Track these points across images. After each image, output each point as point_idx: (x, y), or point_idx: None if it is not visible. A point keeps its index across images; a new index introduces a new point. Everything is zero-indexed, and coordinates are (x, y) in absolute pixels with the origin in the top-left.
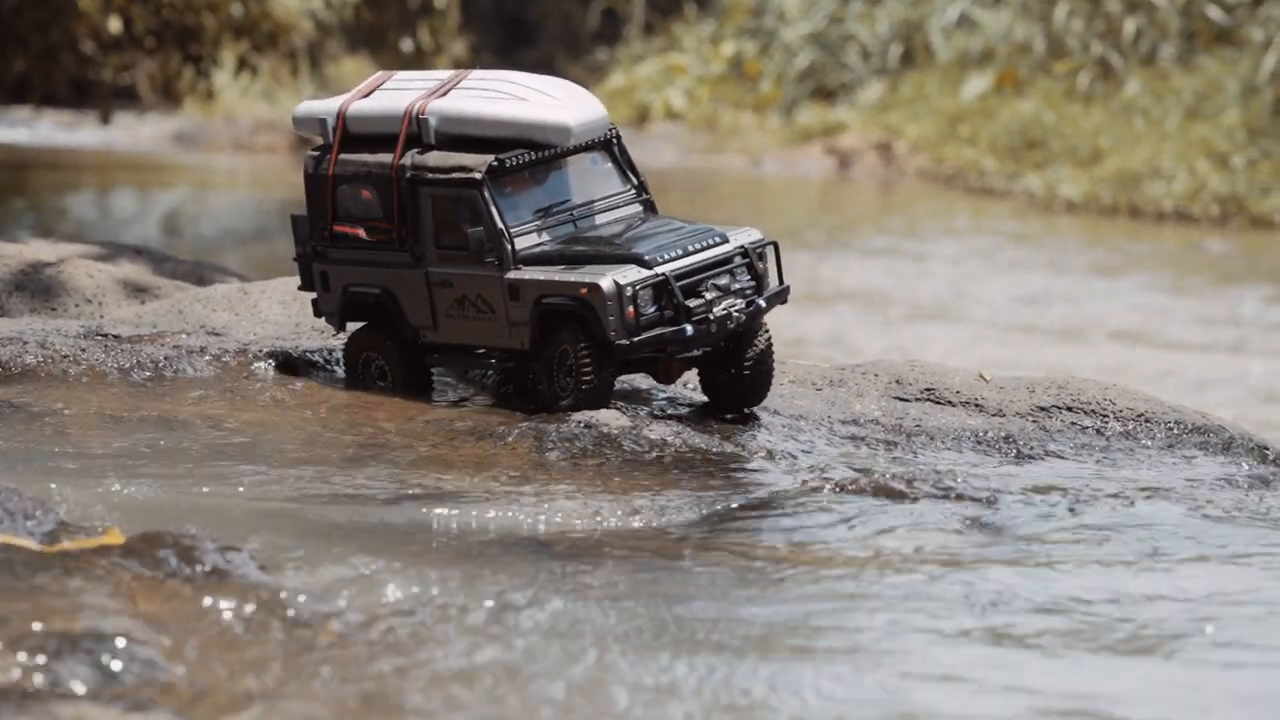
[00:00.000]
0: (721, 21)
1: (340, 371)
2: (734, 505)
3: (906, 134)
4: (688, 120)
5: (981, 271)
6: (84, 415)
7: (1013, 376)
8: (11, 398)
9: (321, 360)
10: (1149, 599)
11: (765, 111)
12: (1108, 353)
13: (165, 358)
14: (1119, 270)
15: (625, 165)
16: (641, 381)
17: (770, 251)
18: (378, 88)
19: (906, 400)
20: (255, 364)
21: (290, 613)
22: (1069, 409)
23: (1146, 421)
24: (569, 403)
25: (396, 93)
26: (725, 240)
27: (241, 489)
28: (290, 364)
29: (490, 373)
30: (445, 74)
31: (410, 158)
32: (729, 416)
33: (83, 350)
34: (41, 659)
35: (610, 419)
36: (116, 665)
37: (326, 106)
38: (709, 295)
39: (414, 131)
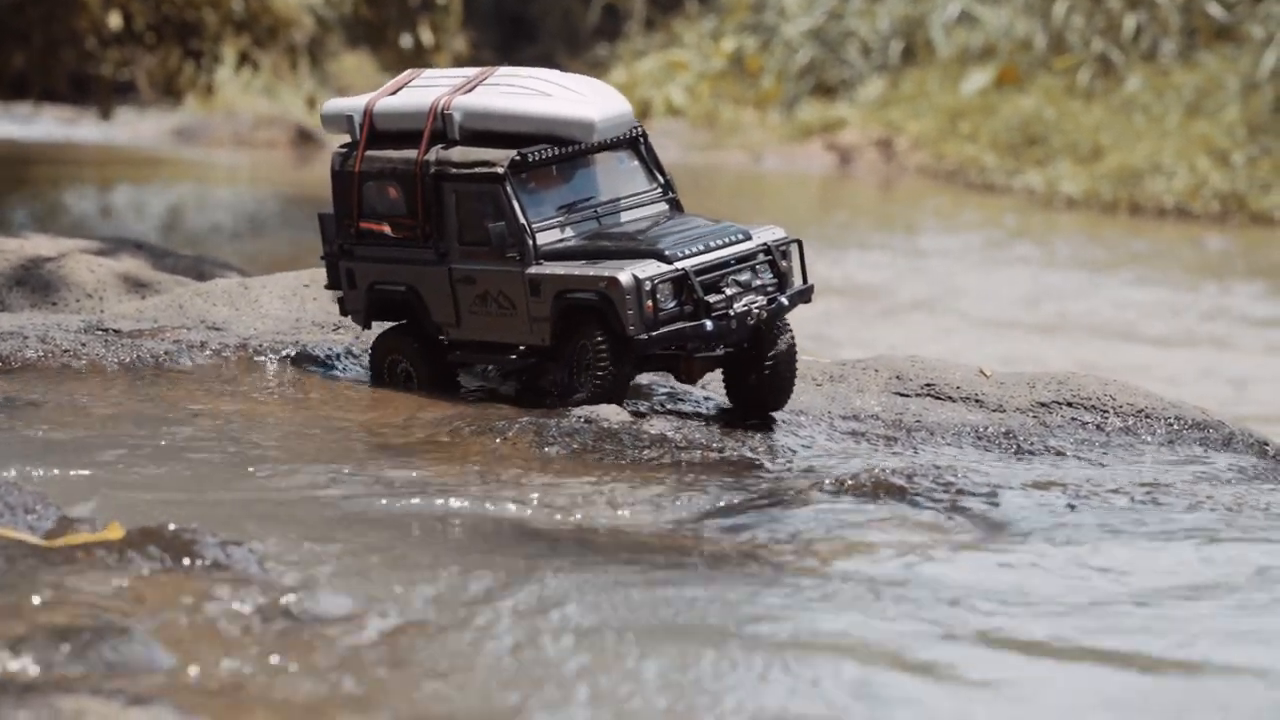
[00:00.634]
0: (722, 17)
1: (340, 366)
2: (734, 500)
3: (907, 130)
4: (688, 116)
5: (980, 268)
6: (85, 410)
7: (1013, 372)
8: (12, 392)
9: (323, 355)
10: (1146, 596)
11: (766, 108)
12: (1104, 349)
13: (166, 352)
14: (1117, 267)
15: (652, 164)
16: (644, 377)
17: (794, 250)
18: (406, 85)
19: (907, 396)
20: (256, 358)
21: (291, 607)
22: (1069, 405)
23: (1147, 417)
24: (584, 397)
25: (424, 89)
26: (748, 237)
27: (243, 483)
28: (306, 358)
29: (491, 369)
30: (473, 71)
31: (435, 153)
32: (751, 421)
33: (83, 345)
34: (42, 652)
35: (610, 414)
36: (117, 659)
37: (354, 103)
38: (730, 291)
39: (439, 127)
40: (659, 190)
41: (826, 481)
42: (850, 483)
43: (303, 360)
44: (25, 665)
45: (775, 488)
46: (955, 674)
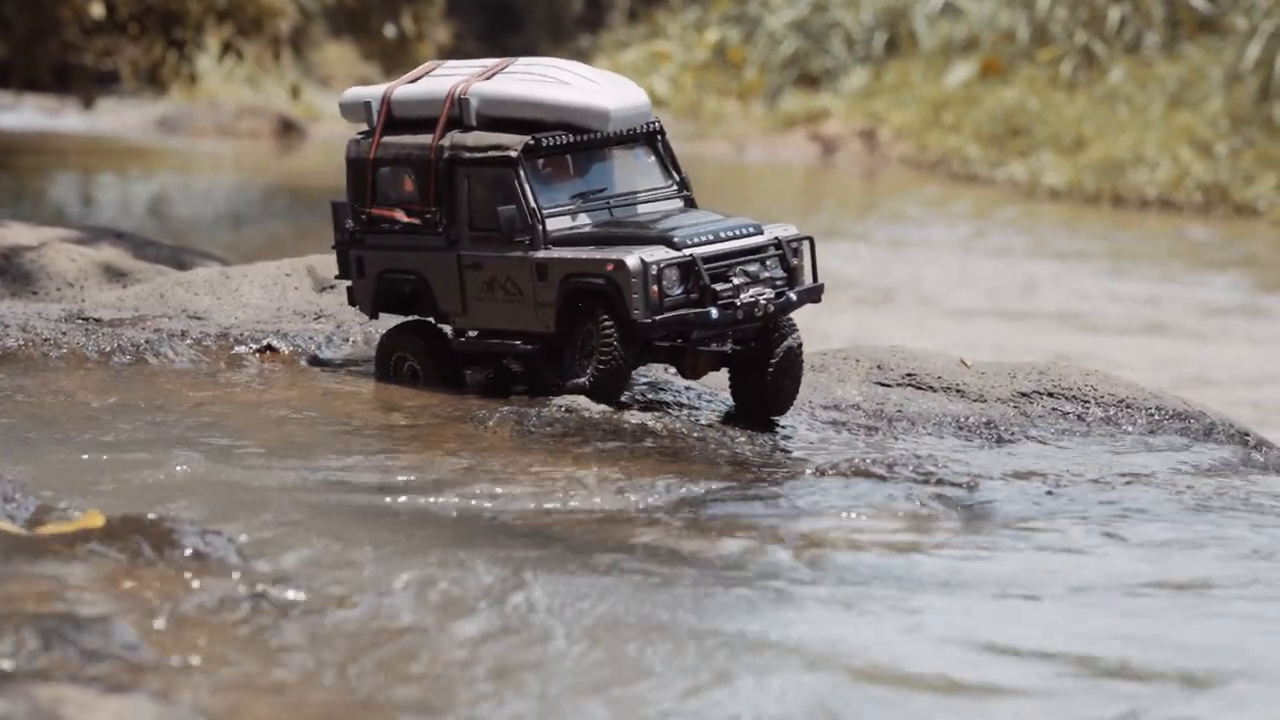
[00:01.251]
0: (706, 9)
1: (322, 355)
2: (714, 488)
3: (890, 121)
4: (672, 107)
5: (962, 259)
6: (65, 398)
7: (994, 362)
8: None
9: (304, 344)
10: (1125, 586)
11: (749, 98)
12: (1085, 339)
13: (146, 341)
14: (1099, 258)
15: (668, 160)
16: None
17: (805, 247)
18: (426, 74)
19: (888, 385)
20: (237, 348)
21: (270, 596)
22: (1050, 394)
23: (1127, 407)
24: (586, 383)
25: (443, 78)
26: (759, 231)
27: (223, 473)
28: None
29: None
30: (493, 61)
31: (450, 138)
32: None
33: (64, 334)
34: (20, 641)
35: (591, 403)
36: (95, 647)
37: (372, 91)
38: (737, 281)
39: (455, 113)
40: (674, 187)
41: (807, 471)
42: (831, 472)
43: (283, 349)
44: (3, 654)
45: (755, 477)
46: (929, 667)
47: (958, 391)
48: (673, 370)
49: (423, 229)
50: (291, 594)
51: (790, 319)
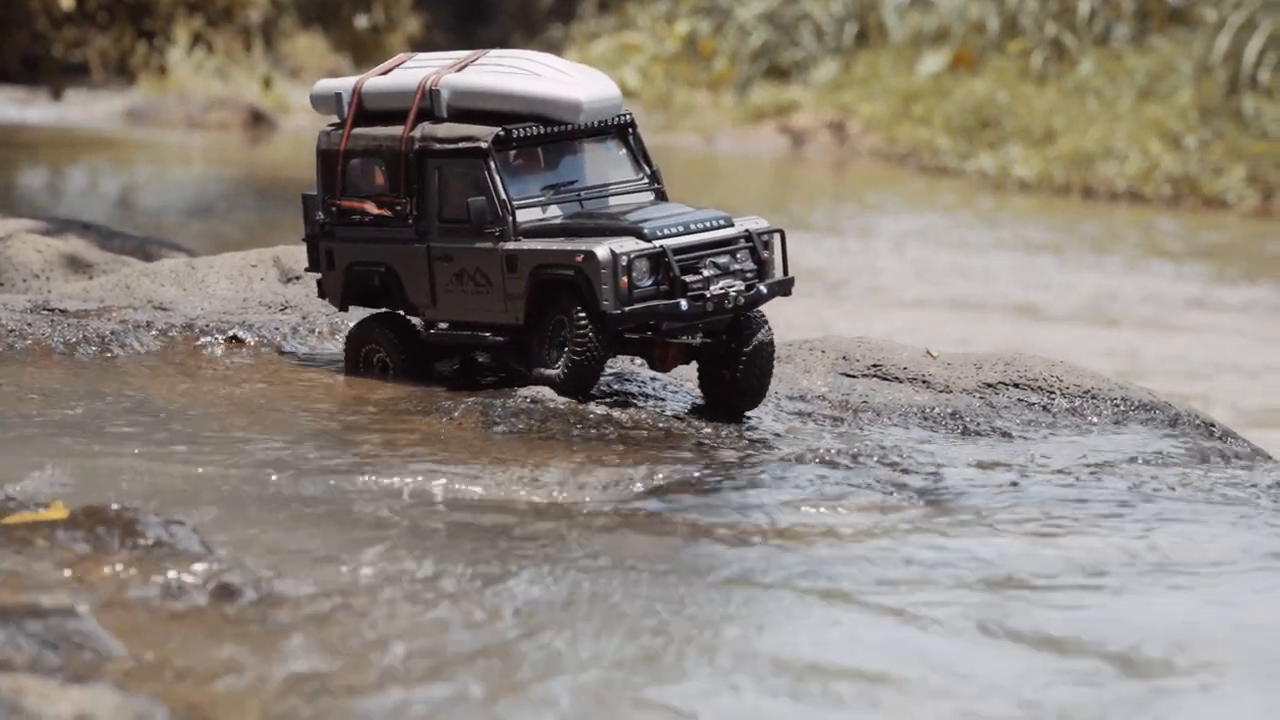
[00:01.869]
0: (676, 0)
1: (287, 346)
2: (679, 480)
3: (860, 113)
4: (642, 98)
5: (930, 250)
6: (28, 389)
7: (960, 353)
8: None
9: (269, 335)
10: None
11: (719, 90)
12: (1051, 330)
13: (112, 332)
14: (1067, 250)
15: (639, 153)
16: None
17: (776, 240)
18: (398, 66)
19: (853, 376)
20: (202, 339)
21: (233, 587)
22: (1016, 385)
23: (1093, 398)
24: (559, 376)
25: (414, 70)
26: (730, 224)
27: (186, 463)
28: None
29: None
30: (465, 53)
31: (420, 130)
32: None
33: (29, 325)
34: None
35: (555, 394)
36: (57, 638)
37: (343, 83)
38: (707, 273)
39: (426, 105)
40: (645, 179)
41: (773, 461)
42: (796, 463)
43: (249, 340)
44: None
45: (721, 468)
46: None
47: (923, 382)
48: (640, 362)
49: (393, 221)
50: (254, 585)
51: (761, 312)
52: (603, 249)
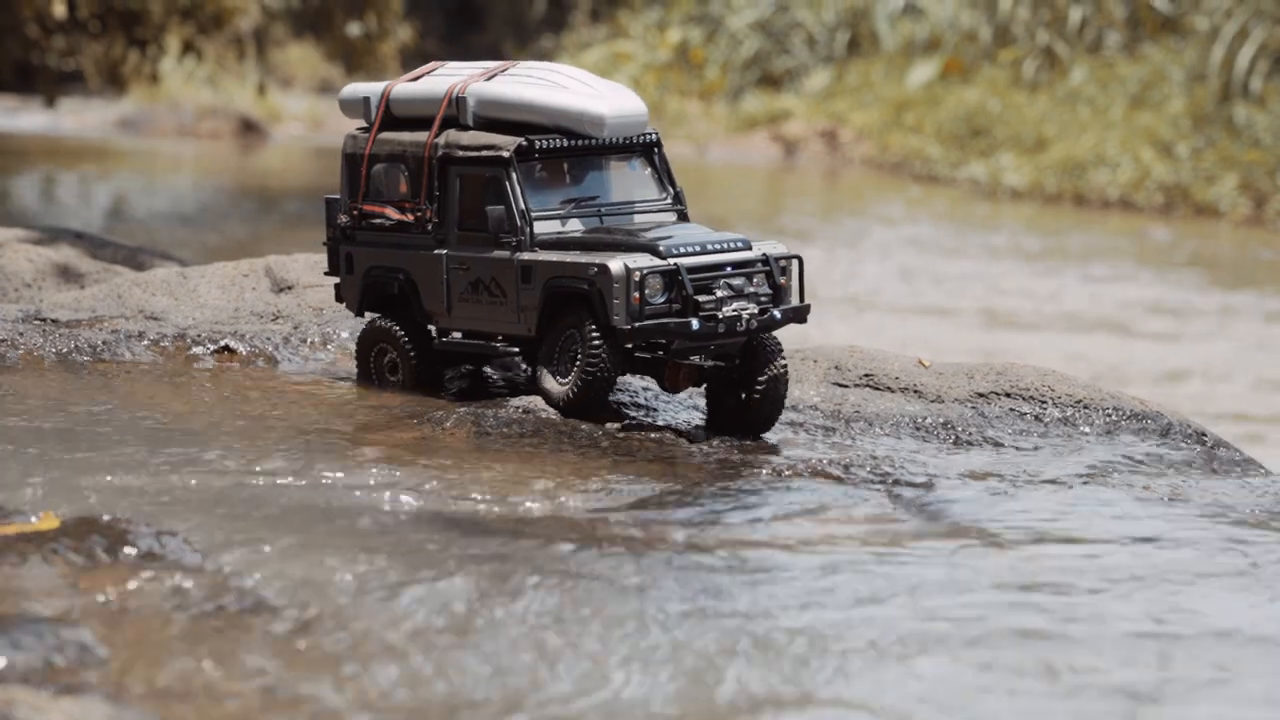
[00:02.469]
0: (668, 9)
1: (280, 356)
2: (671, 490)
3: (852, 121)
4: None
5: (921, 258)
6: (21, 399)
7: (952, 363)
8: None
9: (261, 345)
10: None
11: (711, 99)
12: (1043, 339)
13: (103, 342)
14: (1058, 258)
15: (664, 172)
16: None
17: (794, 266)
18: (428, 73)
19: (845, 386)
20: (194, 348)
21: (224, 596)
22: (1008, 395)
23: (1085, 408)
24: (566, 393)
25: (443, 78)
26: (748, 246)
27: (178, 473)
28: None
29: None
30: (496, 64)
31: (445, 137)
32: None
33: (20, 334)
34: None
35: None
36: (49, 648)
37: (372, 88)
38: (720, 294)
39: (452, 113)
40: (668, 200)
41: (763, 472)
42: (788, 473)
43: (240, 350)
44: None
45: (712, 476)
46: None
47: (915, 392)
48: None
49: (413, 227)
50: (247, 594)
51: (777, 341)
52: (616, 263)
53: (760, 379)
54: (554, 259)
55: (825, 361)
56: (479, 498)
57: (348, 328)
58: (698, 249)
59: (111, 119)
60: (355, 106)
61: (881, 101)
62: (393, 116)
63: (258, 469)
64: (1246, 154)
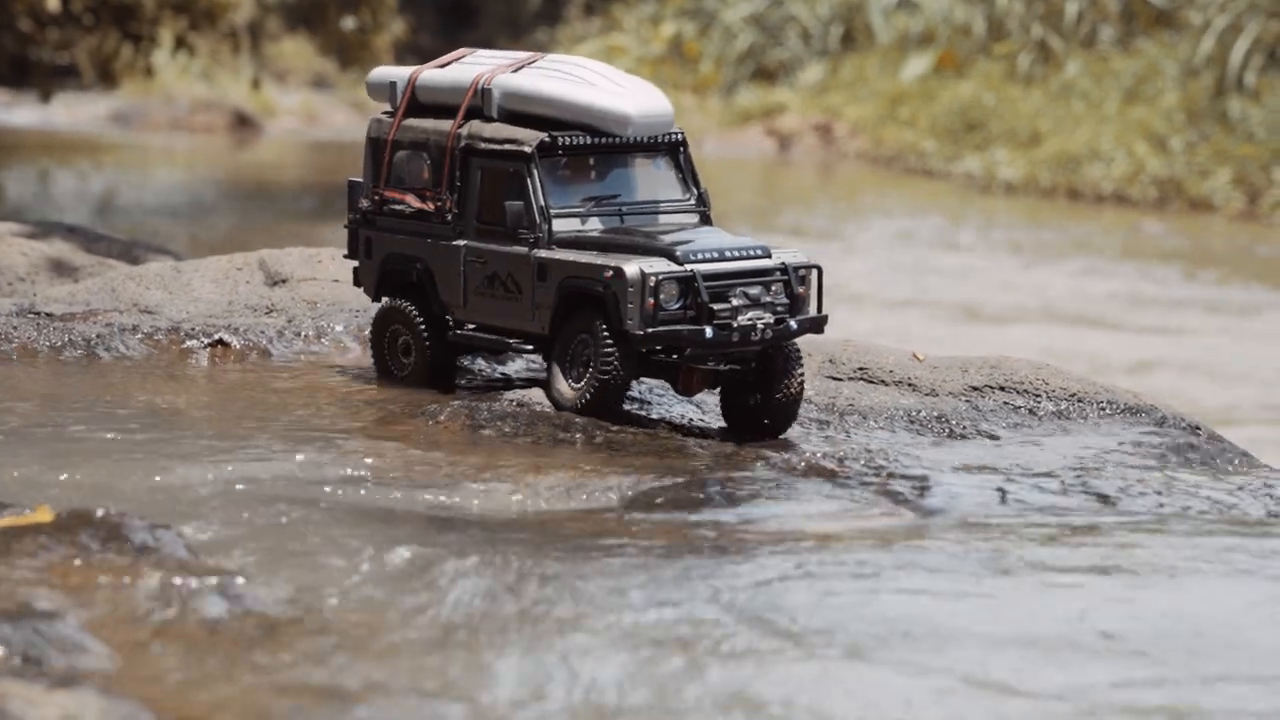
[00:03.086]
0: (661, 2)
1: (273, 350)
2: (666, 484)
3: (846, 115)
4: None
5: (915, 252)
6: (15, 393)
7: (946, 356)
8: None
9: (255, 338)
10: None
11: (705, 93)
12: (1038, 332)
13: (97, 335)
14: (1053, 252)
15: (688, 173)
16: None
17: (813, 277)
18: (456, 61)
19: (839, 379)
20: (188, 342)
21: (218, 591)
22: (1002, 388)
23: (1079, 401)
24: (580, 396)
25: (472, 66)
26: (767, 254)
27: (173, 467)
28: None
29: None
30: (525, 54)
31: (469, 128)
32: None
33: (15, 328)
34: None
35: (543, 397)
36: (42, 642)
37: (400, 72)
38: (736, 302)
39: (477, 103)
40: (691, 201)
41: (758, 466)
42: (782, 466)
43: (234, 344)
44: None
45: (706, 473)
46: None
47: (909, 385)
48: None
49: (432, 216)
50: (240, 589)
51: (797, 349)
52: (632, 267)
53: (778, 387)
54: (570, 258)
55: (819, 355)
56: (477, 492)
57: (341, 321)
58: (715, 255)
59: (105, 113)
60: (382, 90)
61: (876, 95)
62: (418, 103)
63: (252, 462)
64: (1241, 148)
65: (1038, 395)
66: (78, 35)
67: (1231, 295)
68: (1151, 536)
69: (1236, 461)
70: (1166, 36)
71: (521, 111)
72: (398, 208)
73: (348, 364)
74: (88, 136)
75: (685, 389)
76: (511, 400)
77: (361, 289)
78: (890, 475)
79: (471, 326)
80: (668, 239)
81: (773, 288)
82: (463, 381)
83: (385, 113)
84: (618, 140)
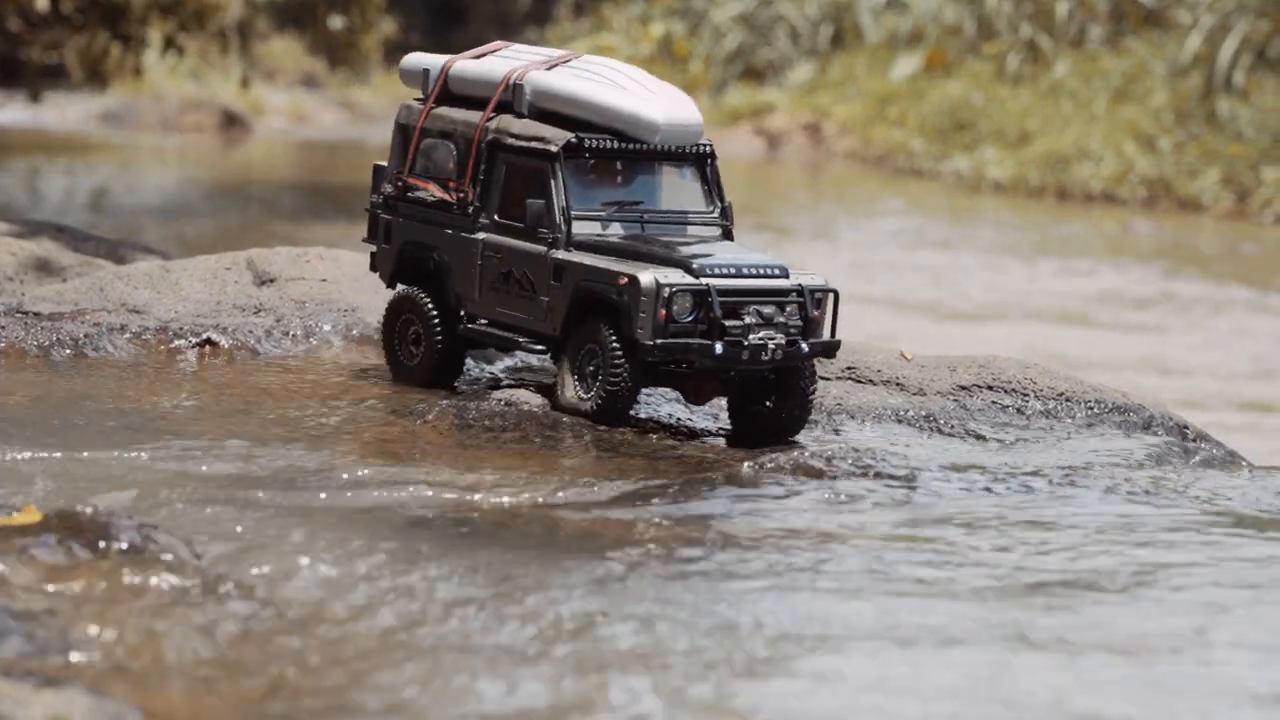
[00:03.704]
0: (650, 2)
1: (261, 349)
2: (653, 484)
3: (835, 115)
4: None
5: (903, 252)
6: (2, 392)
7: (934, 355)
8: None
9: (243, 338)
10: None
11: (694, 92)
12: (1025, 332)
13: (85, 335)
14: (1041, 252)
15: (714, 187)
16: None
17: (829, 300)
18: (491, 54)
19: (827, 379)
20: (176, 341)
21: (206, 590)
22: (990, 388)
23: (1067, 400)
24: (590, 404)
25: (506, 60)
26: (784, 275)
27: (161, 467)
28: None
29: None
30: (560, 52)
31: (497, 121)
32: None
33: (2, 328)
34: None
35: (531, 397)
36: (30, 641)
37: (434, 60)
38: (749, 320)
39: (507, 98)
40: (714, 214)
41: (746, 465)
42: (770, 465)
43: (222, 343)
44: None
45: (694, 471)
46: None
47: (897, 385)
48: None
49: (454, 207)
50: (228, 587)
51: (813, 370)
52: (647, 276)
53: (791, 404)
54: (587, 262)
55: None
56: (464, 491)
57: (330, 321)
58: (732, 271)
59: (94, 112)
60: (414, 77)
61: (865, 95)
62: (449, 92)
63: (240, 461)
64: (1229, 148)
65: (1026, 394)
66: (67, 35)
67: (1219, 294)
68: (1139, 536)
69: (1223, 460)
70: (1155, 36)
71: (552, 110)
72: (420, 195)
73: (336, 363)
74: (77, 136)
75: (696, 398)
76: (500, 400)
77: (377, 274)
78: (878, 474)
79: (484, 321)
80: (686, 251)
81: (787, 308)
82: (453, 382)
83: (416, 99)
84: (645, 147)
